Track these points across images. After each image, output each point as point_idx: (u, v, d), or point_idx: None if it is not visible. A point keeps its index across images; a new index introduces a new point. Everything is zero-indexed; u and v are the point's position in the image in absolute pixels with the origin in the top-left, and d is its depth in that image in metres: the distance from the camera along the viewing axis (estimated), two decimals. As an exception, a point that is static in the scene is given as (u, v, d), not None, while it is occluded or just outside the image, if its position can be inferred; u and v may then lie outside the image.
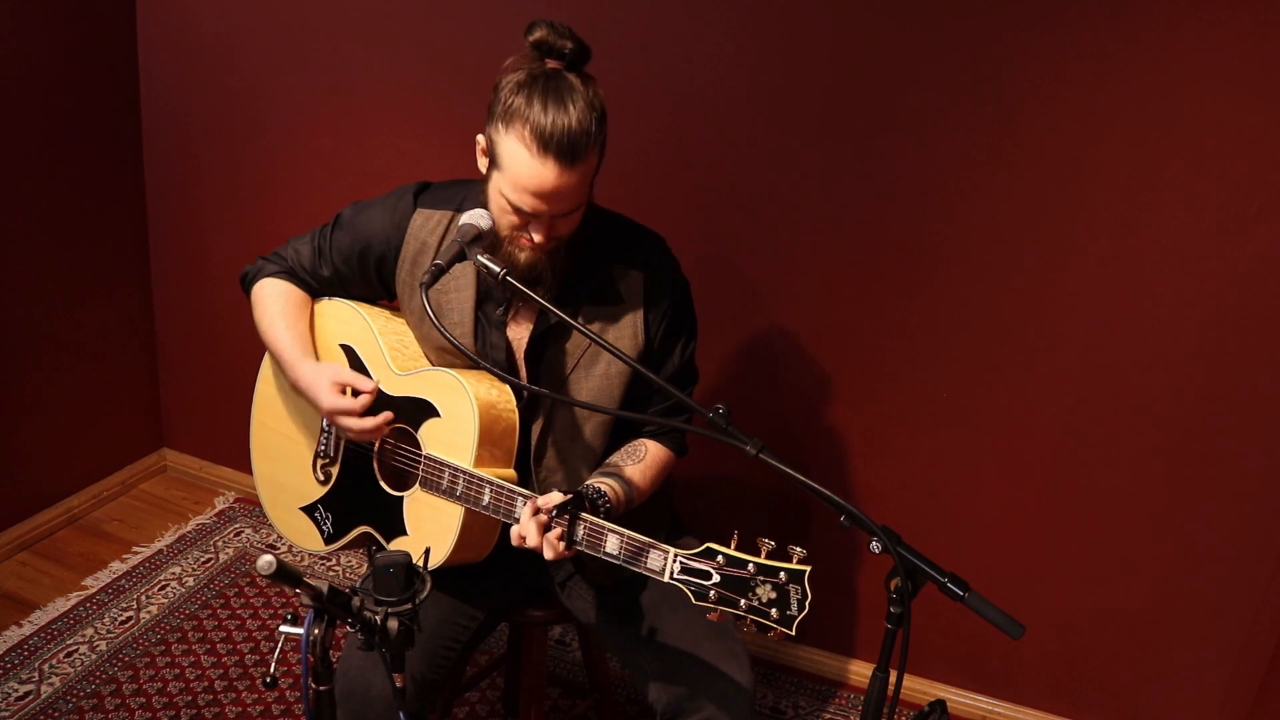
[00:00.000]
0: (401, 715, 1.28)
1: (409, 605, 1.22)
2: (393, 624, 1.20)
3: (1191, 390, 1.99)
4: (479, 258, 1.43)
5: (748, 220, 2.22)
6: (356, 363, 1.68)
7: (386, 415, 1.59)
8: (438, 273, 1.44)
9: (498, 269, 1.41)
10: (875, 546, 1.22)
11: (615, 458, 1.63)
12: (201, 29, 2.61)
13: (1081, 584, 2.20)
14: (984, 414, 2.16)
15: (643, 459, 1.62)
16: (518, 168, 1.38)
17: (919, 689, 2.41)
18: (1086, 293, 2.01)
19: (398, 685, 1.24)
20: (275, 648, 2.39)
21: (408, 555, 1.24)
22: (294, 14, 2.49)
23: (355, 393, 1.61)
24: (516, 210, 1.43)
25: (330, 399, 1.58)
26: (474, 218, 1.48)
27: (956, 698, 2.39)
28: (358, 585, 1.24)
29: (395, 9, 2.38)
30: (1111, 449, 2.08)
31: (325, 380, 1.60)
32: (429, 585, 1.26)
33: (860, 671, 2.48)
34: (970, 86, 1.96)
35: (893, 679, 1.24)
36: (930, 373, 2.17)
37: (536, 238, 1.45)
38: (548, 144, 1.35)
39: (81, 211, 2.70)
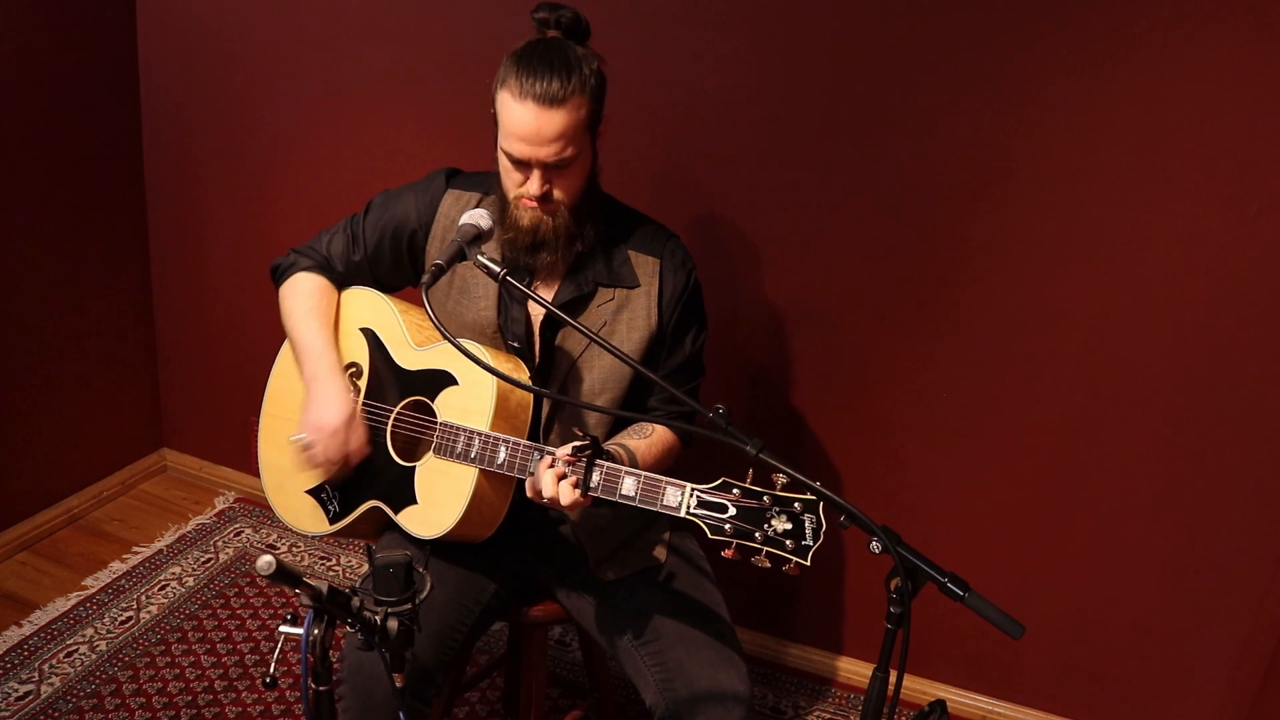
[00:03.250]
0: (401, 716, 1.28)
1: (409, 605, 1.23)
2: (392, 624, 1.20)
3: (1192, 390, 1.99)
4: (479, 257, 1.45)
5: (749, 220, 2.22)
6: (377, 344, 1.70)
7: (347, 472, 1.63)
8: (438, 273, 1.45)
9: (497, 269, 1.43)
10: (875, 546, 1.22)
11: (622, 434, 1.67)
12: (201, 28, 2.61)
13: (1082, 584, 2.20)
14: (984, 414, 2.16)
15: (649, 436, 1.66)
16: (506, 115, 1.49)
17: (919, 689, 2.41)
18: (1087, 292, 2.01)
19: (397, 685, 1.24)
20: (275, 648, 2.39)
21: (408, 555, 1.25)
22: (294, 13, 2.49)
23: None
24: (511, 161, 1.51)
25: (339, 423, 1.59)
26: (474, 218, 1.50)
27: (956, 698, 2.39)
28: (357, 585, 1.24)
29: (394, 8, 2.38)
30: (1112, 448, 2.08)
31: (344, 412, 1.61)
32: (429, 585, 1.26)
33: (860, 671, 2.48)
34: (971, 88, 1.96)
35: (893, 679, 1.24)
36: (931, 372, 2.18)
37: (531, 189, 1.51)
38: (527, 87, 1.45)
39: (81, 211, 2.70)
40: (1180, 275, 1.93)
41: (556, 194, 1.53)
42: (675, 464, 1.72)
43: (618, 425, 1.71)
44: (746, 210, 2.22)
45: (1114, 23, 1.84)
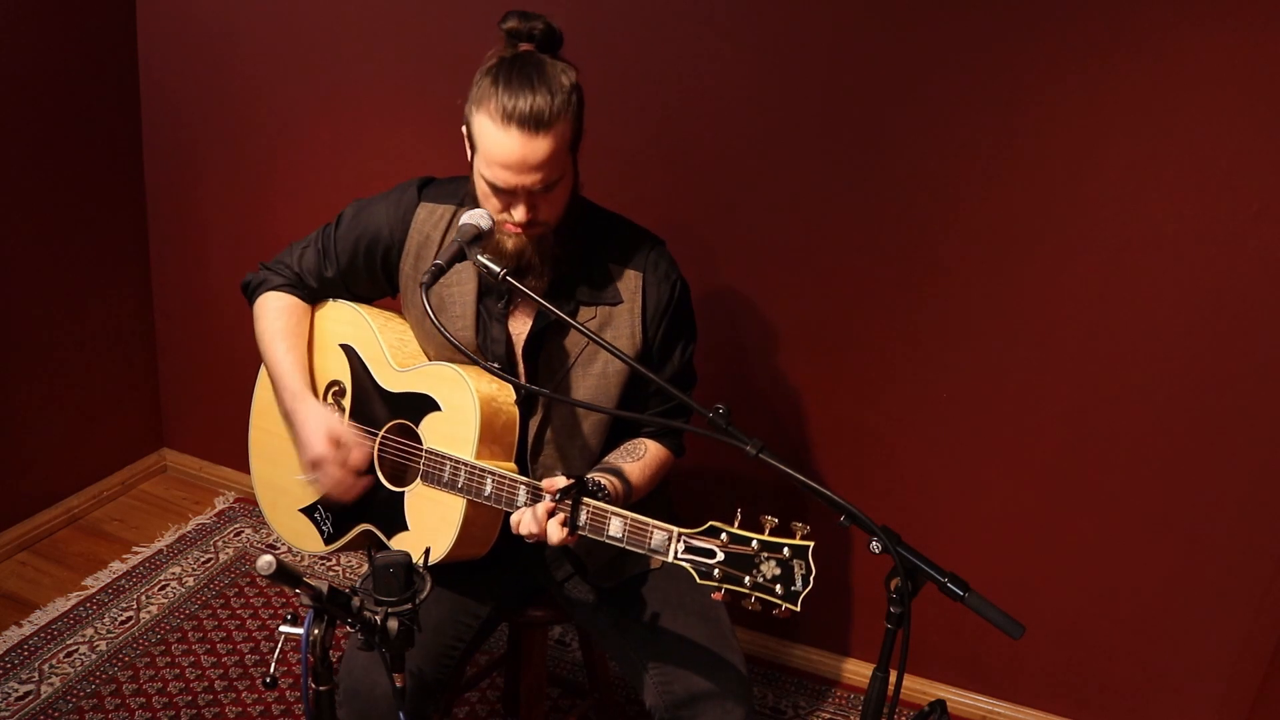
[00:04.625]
0: (401, 716, 1.28)
1: (409, 605, 1.22)
2: (392, 624, 1.20)
3: (1192, 390, 1.99)
4: (479, 257, 1.44)
5: (748, 220, 2.22)
6: (357, 363, 1.68)
7: (368, 480, 1.61)
8: (437, 272, 1.44)
9: (497, 269, 1.42)
10: (875, 546, 1.22)
11: (614, 455, 1.63)
12: (201, 28, 2.61)
13: (1082, 584, 2.20)
14: (984, 413, 2.16)
15: (642, 457, 1.62)
16: (487, 142, 1.42)
17: (919, 689, 2.41)
18: (1087, 292, 2.01)
19: (398, 685, 1.24)
20: (275, 648, 2.39)
21: (407, 555, 1.25)
22: (294, 14, 2.49)
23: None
24: (494, 189, 1.45)
25: (322, 447, 1.57)
26: (474, 217, 1.48)
27: (956, 698, 2.39)
28: (358, 585, 1.24)
29: (394, 8, 2.38)
30: (1111, 448, 2.08)
31: (322, 428, 1.59)
32: (429, 585, 1.26)
33: (860, 671, 2.48)
34: (971, 88, 1.96)
35: (893, 679, 1.24)
36: (930, 372, 2.18)
37: (517, 216, 1.46)
38: (510, 114, 1.38)
39: (81, 212, 2.70)
40: (1180, 275, 1.93)
41: (541, 216, 1.48)
42: (668, 475, 1.72)
43: (610, 442, 1.68)
44: (745, 210, 2.22)
45: (1115, 23, 1.83)
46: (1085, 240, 1.97)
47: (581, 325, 1.44)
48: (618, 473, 1.56)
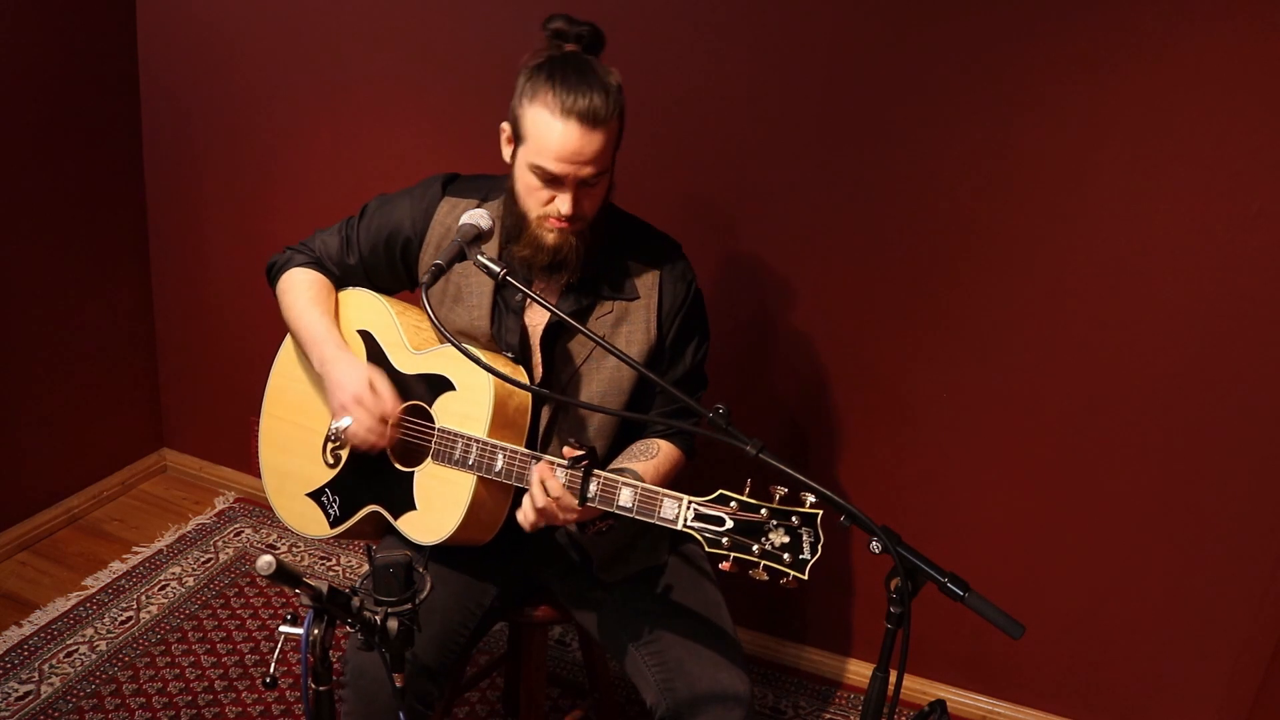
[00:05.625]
0: (401, 715, 1.28)
1: (409, 605, 1.23)
2: (392, 624, 1.20)
3: (1193, 390, 1.99)
4: (479, 257, 1.44)
5: (747, 221, 2.22)
6: (374, 347, 1.70)
7: (395, 435, 1.61)
8: (438, 273, 1.45)
9: (497, 269, 1.42)
10: (875, 546, 1.22)
11: (627, 456, 1.65)
12: (202, 29, 2.61)
13: (1082, 584, 2.20)
14: (985, 414, 2.16)
15: (655, 456, 1.64)
16: (542, 131, 1.46)
17: (919, 689, 2.41)
18: (1087, 292, 2.01)
19: (398, 685, 1.24)
20: (275, 648, 2.39)
21: (408, 555, 1.25)
22: (294, 14, 2.49)
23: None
24: (544, 178, 1.48)
25: (360, 387, 1.58)
26: (474, 218, 1.49)
27: (956, 698, 2.39)
28: (357, 585, 1.24)
29: (395, 9, 2.38)
30: (1112, 449, 2.08)
31: (362, 372, 1.61)
32: (429, 586, 1.26)
33: (860, 671, 2.48)
34: (972, 88, 1.96)
35: (893, 679, 1.24)
36: (931, 372, 2.18)
37: (564, 209, 1.49)
38: (569, 108, 1.43)
39: (81, 211, 2.70)
40: (1180, 275, 1.93)
41: (584, 210, 1.52)
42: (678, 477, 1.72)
43: (619, 437, 1.70)
44: (745, 210, 2.22)
45: (1116, 23, 1.84)
46: (1086, 239, 1.97)
47: (587, 329, 1.46)
48: (631, 473, 1.56)
